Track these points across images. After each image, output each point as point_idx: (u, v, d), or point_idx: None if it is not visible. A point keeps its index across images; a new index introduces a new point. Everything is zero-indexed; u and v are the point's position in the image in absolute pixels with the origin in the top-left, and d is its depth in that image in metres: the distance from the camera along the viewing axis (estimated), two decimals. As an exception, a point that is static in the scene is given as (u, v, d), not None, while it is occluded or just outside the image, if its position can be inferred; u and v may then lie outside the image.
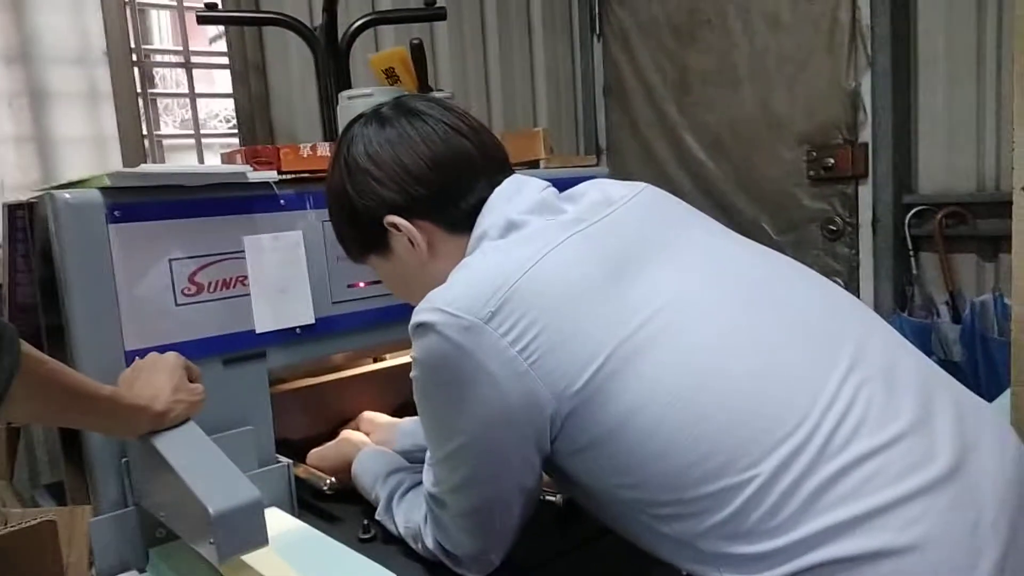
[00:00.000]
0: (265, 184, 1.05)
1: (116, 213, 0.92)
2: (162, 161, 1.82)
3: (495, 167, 0.86)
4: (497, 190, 0.83)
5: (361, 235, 0.88)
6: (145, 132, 1.79)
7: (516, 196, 0.81)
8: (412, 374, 0.75)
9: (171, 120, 2.77)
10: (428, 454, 0.80)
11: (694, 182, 2.41)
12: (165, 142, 1.91)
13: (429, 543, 0.84)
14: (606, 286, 0.72)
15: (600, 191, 0.84)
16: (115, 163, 1.69)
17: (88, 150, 1.71)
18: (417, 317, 0.72)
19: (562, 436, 0.72)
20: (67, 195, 0.91)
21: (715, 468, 0.66)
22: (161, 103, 2.34)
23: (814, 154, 2.16)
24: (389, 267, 0.89)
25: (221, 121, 2.76)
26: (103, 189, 0.92)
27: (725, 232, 0.86)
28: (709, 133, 2.38)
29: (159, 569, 0.90)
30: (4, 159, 1.60)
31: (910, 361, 0.75)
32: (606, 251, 0.75)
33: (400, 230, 0.83)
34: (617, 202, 0.81)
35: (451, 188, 0.83)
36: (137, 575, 0.90)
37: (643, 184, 0.87)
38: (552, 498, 0.98)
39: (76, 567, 0.91)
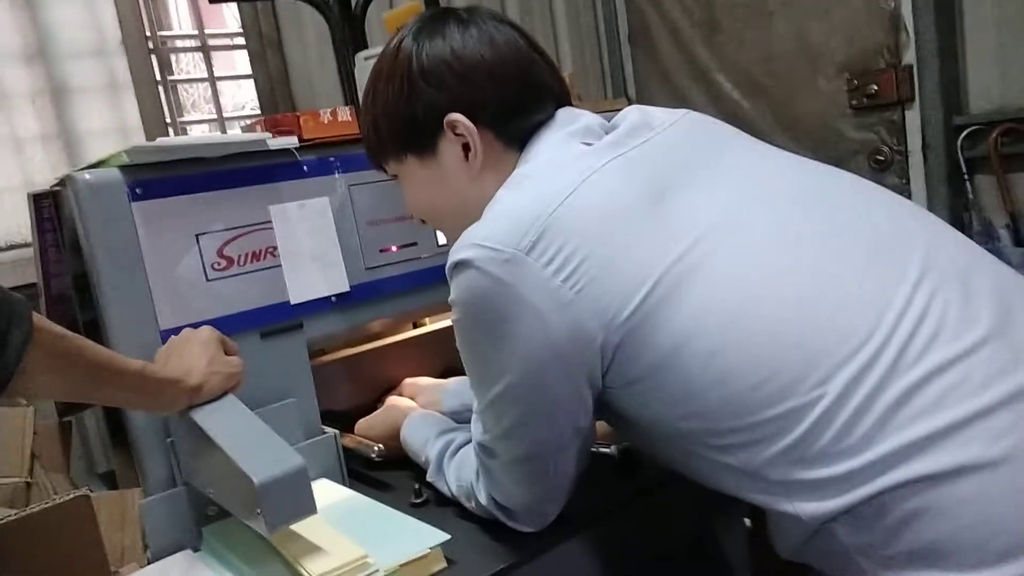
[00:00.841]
0: (287, 151, 1.02)
1: (138, 191, 0.91)
2: (188, 147, 1.82)
3: (560, 93, 0.83)
4: (556, 117, 0.79)
5: (408, 130, 0.81)
6: (168, 120, 1.78)
7: (568, 126, 0.78)
8: (452, 317, 0.72)
9: (199, 114, 2.77)
10: (475, 403, 0.77)
11: (731, 124, 2.33)
12: (190, 128, 1.90)
13: (482, 499, 0.82)
14: (650, 210, 0.68)
15: (641, 115, 0.79)
16: (141, 150, 1.69)
17: (114, 142, 1.71)
18: (454, 256, 0.69)
19: (613, 368, 0.68)
20: (87, 175, 0.89)
21: (779, 389, 0.62)
22: (188, 96, 2.33)
23: (855, 82, 2.06)
24: (424, 175, 0.83)
25: (249, 111, 2.75)
26: (123, 168, 0.91)
27: (773, 149, 0.81)
28: (742, 72, 2.29)
29: (213, 547, 0.89)
30: (32, 158, 1.61)
31: (985, 265, 0.70)
32: (648, 175, 0.71)
33: (459, 134, 0.78)
34: (658, 127, 0.77)
35: (523, 100, 0.79)
36: (191, 554, 0.89)
37: (685, 109, 0.83)
38: (607, 450, 0.94)
39: (130, 550, 0.91)
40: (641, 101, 2.56)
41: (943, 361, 0.61)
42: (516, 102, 0.79)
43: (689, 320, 0.64)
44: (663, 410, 0.68)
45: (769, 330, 0.63)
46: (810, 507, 0.63)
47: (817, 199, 0.73)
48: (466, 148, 0.79)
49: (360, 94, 0.91)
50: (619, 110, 1.53)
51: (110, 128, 1.71)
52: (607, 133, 0.78)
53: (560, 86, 0.84)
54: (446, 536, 0.78)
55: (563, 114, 0.80)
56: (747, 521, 1.09)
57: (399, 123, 0.81)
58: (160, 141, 0.94)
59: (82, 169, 0.92)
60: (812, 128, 2.17)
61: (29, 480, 1.01)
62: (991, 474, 0.58)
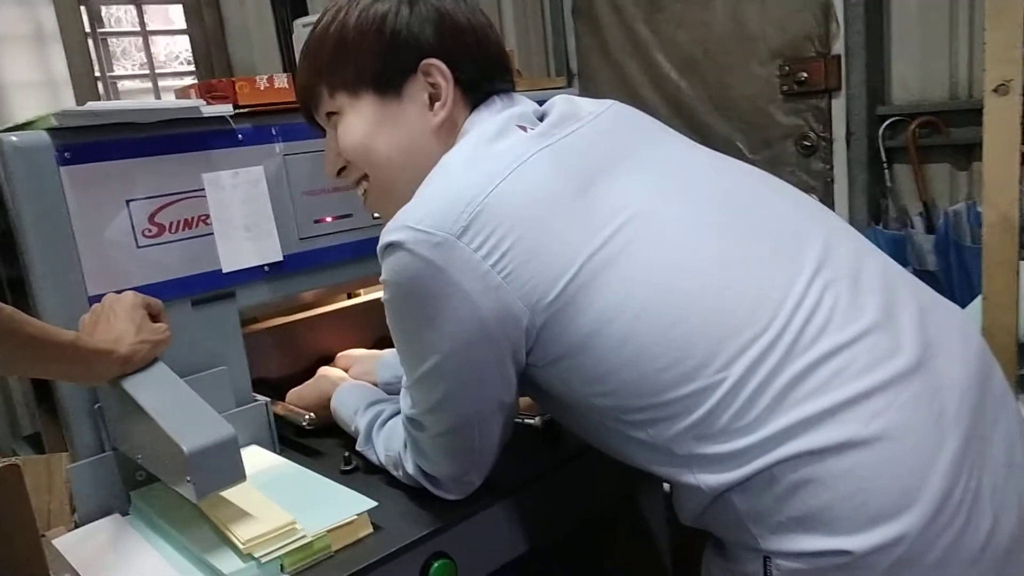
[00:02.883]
0: (221, 119, 1.01)
1: (67, 155, 0.89)
2: (118, 103, 1.76)
3: (510, 73, 0.87)
4: (497, 96, 0.83)
5: (377, 63, 0.80)
6: (98, 73, 1.72)
7: (507, 108, 0.81)
8: (383, 296, 0.74)
9: (131, 65, 2.67)
10: (404, 378, 0.79)
11: (667, 103, 2.38)
12: (120, 84, 1.85)
13: (409, 468, 0.85)
14: (575, 199, 0.71)
15: (569, 105, 0.82)
16: (69, 106, 1.63)
17: (40, 94, 1.65)
18: (386, 237, 0.71)
19: (537, 347, 0.72)
20: (13, 137, 0.87)
21: (687, 372, 0.67)
22: (119, 47, 2.25)
23: (787, 69, 2.13)
24: (378, 114, 0.82)
25: (182, 63, 2.67)
26: (51, 131, 0.89)
27: (693, 145, 0.85)
28: (681, 52, 2.33)
29: (141, 511, 0.90)
30: (-49, 108, 1.54)
31: (876, 263, 0.75)
32: (575, 165, 0.74)
33: (432, 82, 0.80)
34: (585, 117, 0.80)
35: (495, 71, 0.83)
36: (120, 518, 0.90)
37: (611, 101, 0.86)
38: (531, 420, 0.98)
39: (57, 514, 0.91)
40: (583, 77, 2.58)
41: (831, 348, 0.66)
42: (489, 68, 0.83)
43: (607, 306, 0.68)
44: (581, 387, 0.72)
45: (678, 317, 0.68)
46: (711, 478, 0.68)
47: (730, 194, 0.77)
48: (432, 99, 0.81)
49: (297, 61, 0.90)
50: (559, 88, 1.56)
51: (37, 80, 1.64)
52: (539, 119, 0.81)
53: (509, 67, 0.87)
54: (373, 503, 0.81)
55: (508, 96, 0.84)
56: (666, 486, 1.15)
57: (366, 55, 0.80)
58: (90, 105, 0.92)
59: (8, 130, 0.90)
60: (745, 111, 2.24)
61: (-51, 443, 0.99)
62: (866, 450, 0.64)
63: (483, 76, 0.82)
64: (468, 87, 0.82)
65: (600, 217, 0.70)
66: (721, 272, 0.70)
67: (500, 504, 0.88)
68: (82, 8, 1.72)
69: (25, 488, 0.61)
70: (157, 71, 1.92)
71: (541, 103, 0.86)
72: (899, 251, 2.01)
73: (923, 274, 1.94)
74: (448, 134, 0.81)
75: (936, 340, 0.70)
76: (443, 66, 0.80)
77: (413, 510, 0.85)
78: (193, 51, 1.84)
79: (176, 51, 2.62)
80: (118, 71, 1.98)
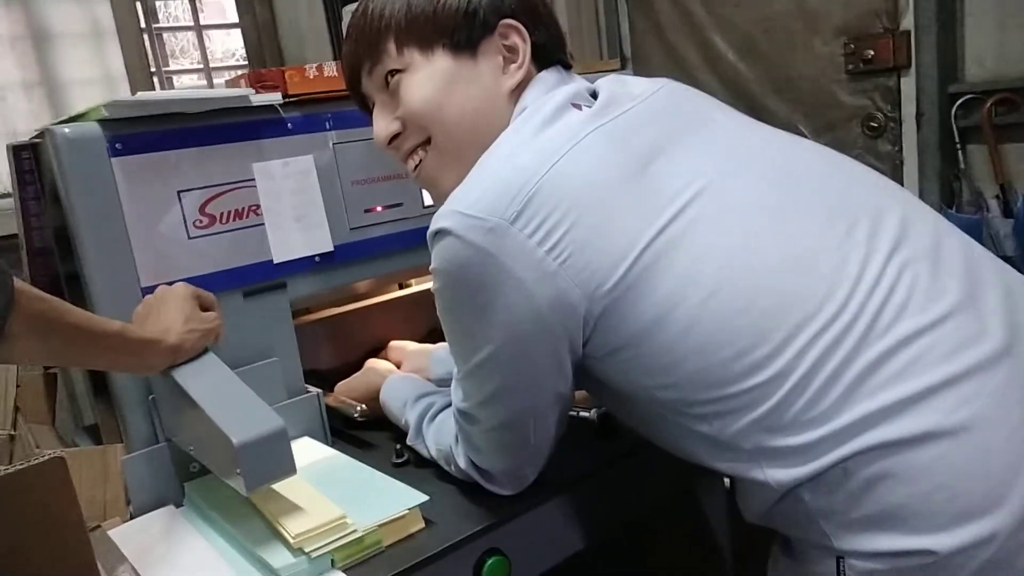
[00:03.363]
0: (270, 108, 1.00)
1: (118, 146, 0.89)
2: (173, 98, 1.78)
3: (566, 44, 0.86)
4: (553, 70, 0.81)
5: (457, 18, 0.77)
6: (154, 68, 1.74)
7: (562, 85, 0.78)
8: (433, 286, 0.72)
9: (188, 61, 2.72)
10: (455, 369, 0.77)
11: (725, 86, 2.31)
12: (176, 79, 1.87)
13: (461, 463, 0.82)
14: (633, 179, 0.68)
15: (621, 85, 0.79)
16: (125, 102, 1.66)
17: (97, 90, 1.68)
18: (436, 224, 0.68)
19: (595, 338, 0.68)
20: (66, 129, 0.88)
21: (756, 361, 0.63)
22: (178, 44, 2.29)
23: (852, 46, 2.04)
24: (451, 72, 0.78)
25: (238, 59, 2.70)
26: (102, 121, 0.89)
27: (753, 121, 0.81)
28: (738, 32, 2.26)
29: (195, 503, 0.90)
30: (15, 107, 1.58)
31: (956, 242, 0.70)
32: (631, 145, 0.70)
33: (508, 44, 0.78)
34: (639, 96, 0.76)
35: (561, 39, 0.83)
36: (174, 510, 0.90)
37: (664, 80, 0.82)
38: (586, 414, 0.95)
39: (112, 505, 0.91)
40: (636, 60, 2.52)
41: (911, 332, 0.62)
42: (559, 38, 0.83)
43: (671, 291, 0.64)
44: (642, 379, 0.69)
45: (747, 302, 0.63)
46: (779, 473, 0.64)
47: (797, 171, 0.73)
48: (507, 61, 0.79)
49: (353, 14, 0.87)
50: (613, 70, 1.52)
51: (94, 77, 1.67)
52: (588, 98, 0.77)
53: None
54: (424, 497, 0.79)
55: (563, 73, 0.82)
56: (726, 481, 1.11)
57: (447, 11, 0.77)
58: (140, 95, 0.92)
59: (61, 122, 0.91)
60: (807, 92, 2.15)
61: (12, 433, 1.01)
62: (950, 442, 0.59)
63: (553, 44, 0.82)
64: (540, 53, 0.80)
65: (661, 197, 0.67)
66: (792, 252, 0.65)
67: (555, 500, 0.85)
68: (138, 5, 1.74)
69: (71, 480, 0.60)
70: (212, 66, 1.93)
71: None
72: (974, 236, 1.88)
73: (1001, 259, 1.83)
74: (518, 99, 0.79)
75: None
76: (522, 28, 0.78)
77: (466, 505, 0.83)
78: (245, 45, 1.85)
79: (232, 48, 2.65)
80: (176, 67, 2.00)
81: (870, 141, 2.07)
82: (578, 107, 0.74)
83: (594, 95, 0.78)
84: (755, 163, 0.72)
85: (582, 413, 0.95)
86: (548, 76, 0.79)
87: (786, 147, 0.77)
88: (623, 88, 0.78)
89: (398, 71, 0.80)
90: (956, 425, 0.59)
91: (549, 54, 0.81)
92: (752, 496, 0.69)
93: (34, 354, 0.68)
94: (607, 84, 0.79)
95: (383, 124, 0.83)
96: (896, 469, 0.60)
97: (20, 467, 0.58)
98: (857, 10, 2.02)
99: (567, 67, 0.83)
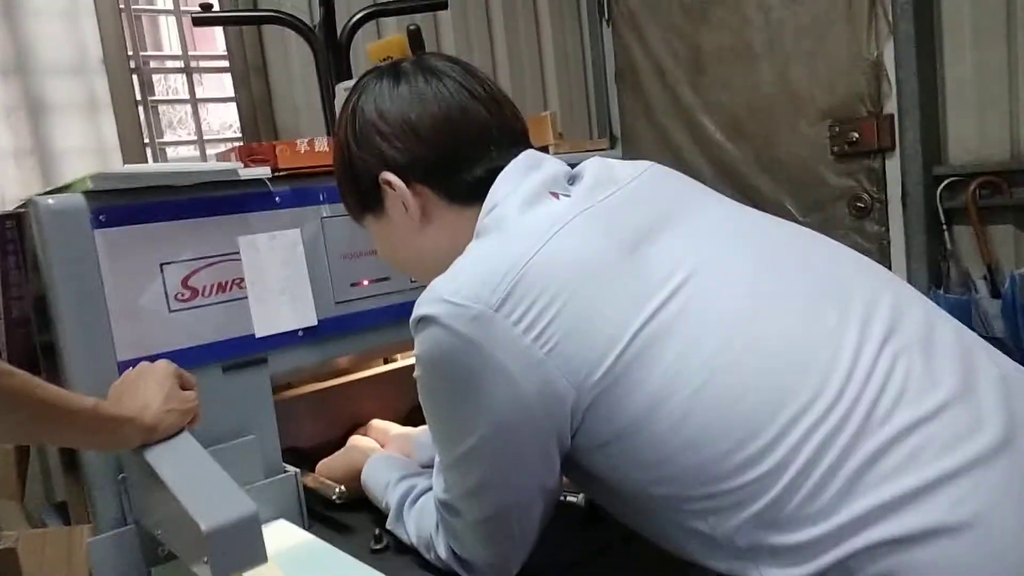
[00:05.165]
0: (259, 181, 1.00)
1: (101, 218, 0.88)
2: (166, 169, 1.79)
3: (510, 139, 0.79)
4: (512, 163, 0.76)
5: (358, 191, 0.83)
6: (147, 140, 1.75)
7: (533, 172, 0.75)
8: (416, 373, 0.69)
9: (184, 133, 2.75)
10: (437, 459, 0.74)
11: (713, 166, 2.34)
12: (169, 151, 1.88)
13: (442, 553, 0.79)
14: (621, 264, 0.66)
15: (604, 168, 0.78)
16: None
17: (90, 160, 1.68)
18: (419, 310, 0.67)
19: (584, 430, 0.66)
20: (49, 200, 0.87)
21: (752, 455, 0.60)
22: (174, 115, 2.31)
23: (837, 129, 2.08)
24: (382, 229, 0.84)
25: (235, 131, 2.74)
26: (87, 193, 0.88)
27: (739, 205, 0.80)
28: (726, 114, 2.30)
29: (162, 590, 0.85)
30: (5, 174, 1.58)
31: (948, 329, 0.69)
32: (617, 229, 0.69)
33: (394, 189, 0.78)
34: (622, 180, 0.75)
35: (458, 155, 0.77)
36: (139, 597, 0.86)
37: (648, 163, 0.81)
38: (573, 499, 0.92)
39: (76, 589, 0.87)
40: (626, 140, 2.57)
41: (908, 423, 0.60)
42: (449, 158, 0.77)
43: (659, 384, 0.62)
44: (634, 473, 0.66)
45: (740, 393, 0.61)
46: (778, 573, 0.61)
47: (785, 256, 0.72)
48: (404, 205, 0.79)
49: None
50: (602, 150, 1.53)
51: (87, 147, 1.68)
52: (570, 183, 0.76)
53: (521, 128, 0.82)
54: (403, 590, 0.76)
55: (525, 158, 0.78)
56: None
57: (350, 188, 0.84)
58: (127, 168, 0.92)
59: (45, 193, 0.90)
60: (794, 172, 2.19)
61: (-25, 511, 0.97)
62: (953, 539, 0.57)
63: (445, 167, 0.77)
64: (432, 182, 0.77)
65: (648, 284, 0.65)
66: (784, 340, 0.64)
67: (539, 592, 0.81)
68: (134, 77, 1.76)
69: (20, 573, 0.57)
70: (207, 138, 1.95)
71: (574, 166, 0.82)
72: (963, 317, 1.90)
73: (990, 340, 1.81)
74: (444, 228, 0.78)
75: (1021, 412, 0.63)
76: (392, 177, 0.78)
77: (446, 598, 0.79)
78: (240, 118, 1.87)
79: (229, 120, 2.69)
80: (171, 138, 2.02)
81: (857, 221, 2.09)
82: (556, 195, 0.73)
83: (572, 179, 0.77)
84: (743, 247, 0.71)
85: (569, 497, 0.91)
86: (511, 170, 0.76)
87: (773, 231, 0.76)
88: (607, 172, 0.77)
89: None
90: (960, 522, 0.57)
91: (460, 169, 0.77)
92: None
93: (3, 430, 0.65)
94: (590, 167, 0.78)
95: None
96: (902, 567, 0.57)
97: (-32, 559, 0.55)
98: (842, 94, 2.07)
99: (527, 146, 0.80)
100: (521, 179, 0.74)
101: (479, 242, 0.71)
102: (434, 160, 0.77)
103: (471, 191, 0.76)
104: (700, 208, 0.75)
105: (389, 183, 0.78)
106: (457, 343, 0.64)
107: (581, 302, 0.63)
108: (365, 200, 0.83)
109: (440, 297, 0.65)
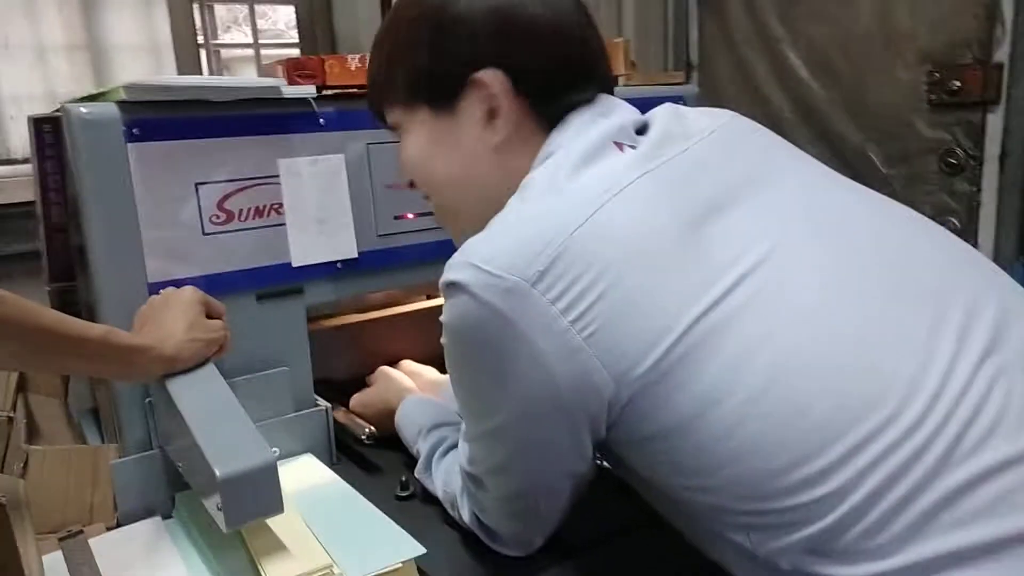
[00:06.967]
0: (303, 101, 0.94)
1: (135, 131, 0.83)
2: (219, 72, 1.73)
3: (608, 74, 0.72)
4: (599, 100, 0.69)
5: (426, 74, 0.69)
6: (201, 40, 1.69)
7: (601, 119, 0.66)
8: (443, 339, 0.63)
9: (241, 34, 2.67)
10: (463, 428, 0.69)
11: (795, 105, 2.18)
12: (224, 53, 1.82)
13: (466, 516, 0.75)
14: (680, 242, 0.57)
15: (675, 119, 0.68)
16: (169, 73, 1.61)
17: (143, 58, 1.63)
18: (448, 274, 0.59)
19: (620, 424, 0.59)
20: (82, 109, 0.82)
21: (809, 477, 0.52)
22: (231, 17, 2.24)
23: (937, 75, 1.89)
24: (434, 131, 0.71)
25: (294, 37, 2.65)
26: (121, 104, 0.83)
27: (833, 174, 0.69)
28: (815, 49, 2.13)
29: (182, 517, 0.84)
30: (57, 69, 1.54)
31: None
32: (680, 199, 0.60)
33: (490, 89, 0.66)
34: (695, 135, 0.65)
35: (577, 73, 0.68)
36: (159, 522, 0.85)
37: (727, 113, 0.71)
38: (606, 463, 0.87)
39: (100, 509, 0.86)
40: (703, 71, 2.41)
41: (999, 460, 0.51)
42: (567, 74, 0.68)
43: (715, 383, 0.54)
44: (671, 477, 0.59)
45: (804, 406, 0.53)
46: None
47: (880, 245, 0.62)
48: (491, 114, 0.68)
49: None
50: (675, 84, 1.41)
51: (140, 44, 1.63)
52: (638, 134, 0.67)
53: (608, 67, 0.73)
54: (421, 550, 0.72)
55: (601, 103, 0.69)
56: None
57: (415, 64, 0.70)
58: (164, 79, 0.86)
59: (78, 100, 0.85)
60: (883, 119, 2.02)
61: (11, 415, 0.96)
62: None
63: (559, 83, 0.68)
64: (538, 97, 0.68)
65: (711, 268, 0.56)
66: (864, 348, 0.55)
67: (565, 565, 0.76)
68: (192, -27, 1.69)
69: (11, 529, 0.54)
70: (262, 42, 1.88)
71: (653, 105, 0.73)
72: (1051, 291, 1.77)
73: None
74: (515, 156, 0.68)
75: None
76: (498, 76, 0.67)
77: (467, 562, 0.75)
78: (298, 23, 1.79)
79: (291, 22, 2.60)
80: (230, 40, 1.96)
81: (947, 179, 1.93)
82: (620, 147, 0.64)
83: (641, 129, 0.67)
84: (834, 230, 0.61)
85: (606, 463, 0.86)
86: (579, 113, 0.68)
87: (874, 213, 0.66)
88: (679, 123, 0.67)
89: (393, 126, 0.76)
90: None
91: (561, 93, 0.68)
92: None
93: (6, 356, 0.62)
94: (661, 117, 0.68)
95: (401, 170, 0.79)
96: None
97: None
98: (946, 37, 1.88)
99: (608, 90, 0.72)
100: (588, 127, 0.66)
101: (522, 199, 0.62)
102: (550, 72, 0.67)
103: (559, 118, 0.68)
104: (784, 177, 0.65)
105: (487, 84, 0.67)
106: (488, 316, 0.57)
107: (630, 285, 0.55)
108: (432, 87, 0.69)
109: (472, 262, 0.58)
